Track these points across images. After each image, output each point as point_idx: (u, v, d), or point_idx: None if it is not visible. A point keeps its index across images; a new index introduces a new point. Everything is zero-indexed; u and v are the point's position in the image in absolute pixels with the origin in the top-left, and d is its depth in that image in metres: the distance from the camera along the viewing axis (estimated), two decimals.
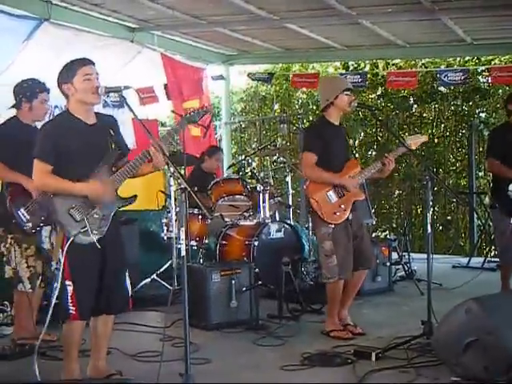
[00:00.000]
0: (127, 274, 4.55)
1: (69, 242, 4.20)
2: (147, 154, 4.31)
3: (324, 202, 5.67)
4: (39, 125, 5.31)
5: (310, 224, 7.97)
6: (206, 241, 7.78)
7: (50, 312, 4.27)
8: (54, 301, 4.29)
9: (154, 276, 7.45)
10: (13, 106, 5.53)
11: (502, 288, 6.96)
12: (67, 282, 4.26)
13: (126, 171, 4.36)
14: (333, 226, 5.67)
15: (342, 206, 5.68)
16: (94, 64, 4.41)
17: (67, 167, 4.26)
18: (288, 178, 8.59)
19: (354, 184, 5.72)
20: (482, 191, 11.10)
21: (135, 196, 4.54)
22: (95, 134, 4.39)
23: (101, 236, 4.29)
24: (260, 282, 6.55)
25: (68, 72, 4.35)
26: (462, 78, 10.49)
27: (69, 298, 4.27)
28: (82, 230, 4.22)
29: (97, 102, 4.43)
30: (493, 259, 9.07)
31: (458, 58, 12.19)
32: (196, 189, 7.49)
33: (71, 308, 4.27)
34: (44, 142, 4.33)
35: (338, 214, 5.67)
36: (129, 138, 8.77)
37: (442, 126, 12.64)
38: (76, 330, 4.39)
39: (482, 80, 12.22)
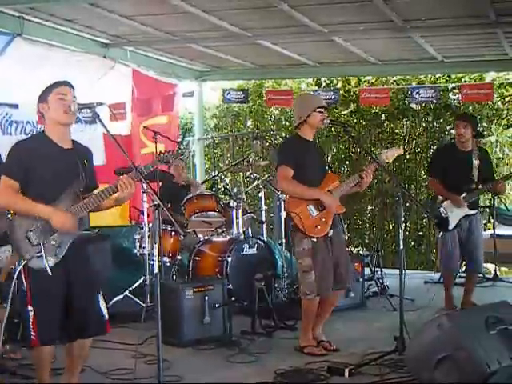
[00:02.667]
0: (100, 296, 4.48)
1: (21, 265, 4.17)
2: (114, 188, 4.30)
3: (305, 215, 5.64)
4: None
5: (284, 240, 8.00)
6: (179, 257, 7.76)
7: (2, 331, 4.29)
8: (4, 323, 4.30)
9: (127, 293, 7.39)
10: None
11: (445, 302, 7.30)
12: (29, 308, 4.22)
13: (90, 203, 4.32)
14: (315, 239, 5.64)
15: (323, 219, 5.66)
16: (72, 87, 4.40)
17: (34, 189, 4.22)
18: (261, 194, 8.59)
19: (330, 199, 5.68)
20: None
21: (99, 231, 4.51)
22: (68, 160, 4.36)
23: (56, 262, 4.22)
24: (233, 299, 6.54)
25: (45, 92, 4.37)
26: (433, 95, 10.63)
27: (30, 323, 4.23)
28: (37, 255, 4.17)
29: (69, 122, 4.40)
30: (463, 274, 9.15)
31: (430, 76, 12.33)
32: (169, 205, 7.52)
33: (32, 334, 4.23)
34: (13, 160, 4.30)
35: (319, 227, 5.64)
36: (99, 154, 8.74)
37: (414, 142, 12.75)
38: (43, 354, 4.34)
39: (452, 97, 12.36)
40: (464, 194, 7.02)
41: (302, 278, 5.77)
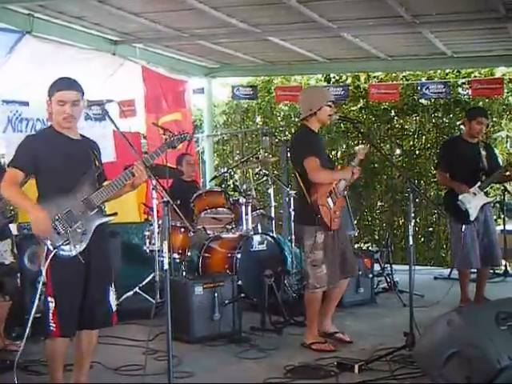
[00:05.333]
0: (112, 288, 4.52)
1: (51, 255, 4.16)
2: (130, 174, 4.33)
3: (328, 209, 5.69)
4: None
5: (294, 237, 7.99)
6: (189, 253, 7.75)
7: (29, 325, 4.23)
8: (32, 315, 4.24)
9: (137, 289, 7.41)
10: None
11: (461, 297, 7.21)
12: (49, 299, 4.23)
13: (109, 189, 4.35)
14: (331, 232, 5.71)
15: (337, 213, 5.76)
16: (74, 88, 4.34)
17: (49, 179, 4.26)
18: (270, 190, 8.59)
19: (348, 173, 5.81)
20: None
21: (115, 213, 4.53)
22: (78, 149, 4.39)
23: (81, 250, 4.26)
24: (243, 295, 6.55)
25: (50, 89, 4.35)
26: (443, 90, 10.61)
27: (50, 314, 4.23)
28: (64, 244, 4.19)
29: (68, 126, 4.36)
30: (473, 270, 9.14)
31: (439, 71, 12.29)
32: (179, 202, 7.53)
33: (52, 325, 4.23)
34: (22, 152, 4.32)
35: (336, 220, 5.74)
36: (110, 150, 8.77)
37: (423, 138, 12.71)
38: (59, 346, 4.34)
39: (462, 92, 12.32)
40: (479, 183, 7.00)
41: (311, 271, 5.75)
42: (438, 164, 7.51)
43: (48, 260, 4.17)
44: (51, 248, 4.18)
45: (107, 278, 4.50)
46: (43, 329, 4.30)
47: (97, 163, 4.44)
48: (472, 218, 6.99)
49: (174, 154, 9.24)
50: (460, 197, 6.99)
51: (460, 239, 7.01)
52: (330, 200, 5.72)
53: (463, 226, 7.00)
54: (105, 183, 4.45)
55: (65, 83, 4.36)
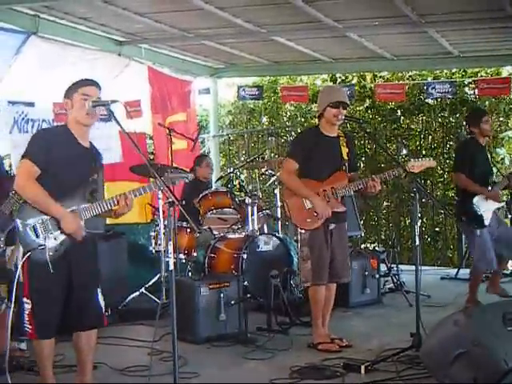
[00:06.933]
0: (99, 290, 4.48)
1: (26, 256, 4.16)
2: (116, 200, 4.30)
3: (298, 207, 5.69)
4: None
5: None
6: (195, 254, 7.76)
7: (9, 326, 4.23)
8: (10, 314, 4.27)
9: (143, 290, 7.42)
10: None
11: (468, 298, 7.13)
12: (25, 300, 4.21)
13: (95, 209, 4.31)
14: (303, 231, 5.72)
15: (315, 214, 5.66)
16: (99, 87, 4.41)
17: (48, 180, 4.22)
18: (276, 191, 8.59)
19: (321, 205, 5.63)
20: None
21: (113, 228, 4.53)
22: (84, 157, 4.39)
23: (58, 255, 4.21)
24: (249, 295, 6.54)
25: (71, 88, 4.38)
26: (449, 89, 10.58)
27: (25, 315, 4.22)
28: (39, 248, 4.16)
29: (89, 124, 4.39)
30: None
31: (445, 71, 12.26)
32: (184, 202, 7.52)
33: (28, 326, 4.23)
34: (38, 145, 4.29)
35: (309, 220, 5.68)
36: (116, 151, 8.77)
37: (430, 137, 12.67)
38: (43, 346, 4.31)
39: (468, 92, 12.28)
40: (489, 188, 6.97)
41: (301, 265, 5.92)
42: (459, 167, 7.18)
43: (21, 261, 4.16)
44: (26, 249, 4.17)
45: (94, 280, 4.47)
46: (19, 329, 4.30)
47: (95, 176, 4.41)
48: (486, 223, 6.94)
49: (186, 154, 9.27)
50: (474, 200, 6.92)
51: (483, 242, 6.95)
52: (307, 200, 5.69)
53: (478, 231, 6.93)
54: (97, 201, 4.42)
55: (89, 80, 4.44)
